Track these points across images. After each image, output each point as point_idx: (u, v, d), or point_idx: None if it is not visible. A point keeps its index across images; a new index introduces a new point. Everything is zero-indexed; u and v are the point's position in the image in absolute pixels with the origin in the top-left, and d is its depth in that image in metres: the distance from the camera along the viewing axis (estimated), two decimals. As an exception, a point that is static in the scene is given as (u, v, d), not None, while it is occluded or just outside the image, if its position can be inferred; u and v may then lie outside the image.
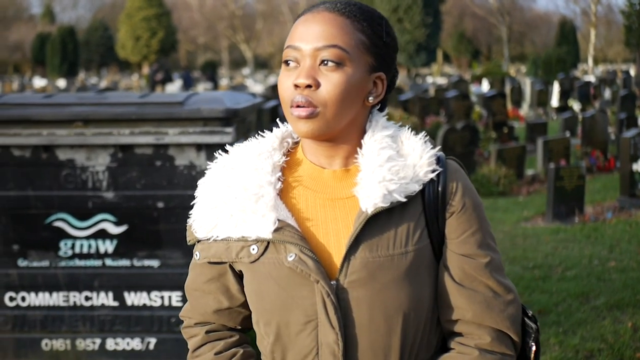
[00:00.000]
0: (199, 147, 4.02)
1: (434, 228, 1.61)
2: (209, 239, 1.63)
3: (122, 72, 60.46)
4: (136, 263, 4.12)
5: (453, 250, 1.62)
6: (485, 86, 26.22)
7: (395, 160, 1.58)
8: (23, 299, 4.18)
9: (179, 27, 60.10)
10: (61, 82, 38.60)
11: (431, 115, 16.53)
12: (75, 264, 4.15)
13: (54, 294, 4.16)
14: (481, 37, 57.10)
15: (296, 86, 1.53)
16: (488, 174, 10.27)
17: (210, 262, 1.65)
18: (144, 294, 4.13)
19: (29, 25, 67.89)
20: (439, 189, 1.60)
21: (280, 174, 1.63)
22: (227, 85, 29.90)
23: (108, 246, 4.12)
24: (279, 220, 1.56)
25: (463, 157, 10.60)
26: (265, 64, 57.43)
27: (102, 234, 4.12)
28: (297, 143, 1.70)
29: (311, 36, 1.54)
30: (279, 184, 1.61)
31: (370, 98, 1.60)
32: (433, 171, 1.60)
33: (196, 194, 1.66)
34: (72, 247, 4.14)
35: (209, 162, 1.67)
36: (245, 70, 48.09)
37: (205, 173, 1.68)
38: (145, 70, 48.02)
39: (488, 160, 11.61)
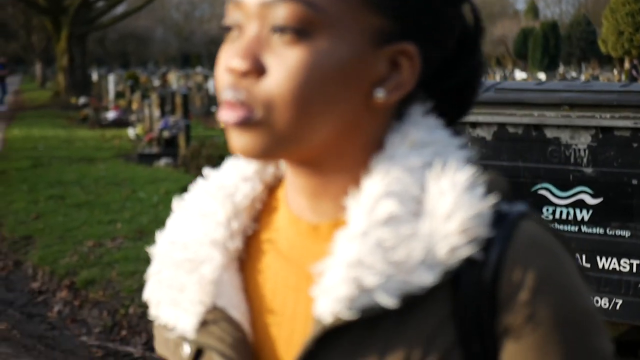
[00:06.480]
0: (676, 132, 4.48)
1: (475, 349, 0.83)
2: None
3: (602, 67, 60.33)
4: (609, 232, 4.69)
5: None
6: None
7: (400, 224, 0.83)
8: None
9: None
10: (541, 76, 38.94)
11: None
12: (555, 227, 4.81)
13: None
14: None
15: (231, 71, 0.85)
16: None
17: None
18: (614, 259, 4.68)
19: (514, 20, 72.23)
20: (487, 277, 0.82)
21: (247, 223, 0.96)
22: None
23: (584, 215, 4.74)
24: (215, 308, 0.90)
25: None
26: None
27: (580, 204, 4.74)
28: None
29: None
30: (237, 242, 0.94)
31: (380, 92, 0.85)
32: (479, 245, 0.82)
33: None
34: (553, 213, 4.83)
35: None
36: None
37: None
38: (627, 65, 47.46)
39: None
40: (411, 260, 0.81)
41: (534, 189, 4.85)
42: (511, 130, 4.87)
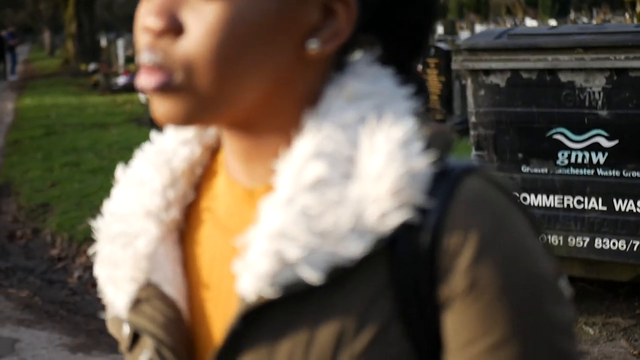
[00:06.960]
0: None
1: (416, 321, 0.75)
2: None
3: (614, 11, 59.81)
4: (625, 174, 4.66)
5: None
6: None
7: (328, 188, 0.74)
8: (524, 199, 4.94)
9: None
10: (552, 23, 38.77)
11: None
12: (570, 172, 4.80)
13: (551, 197, 4.87)
14: None
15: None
16: None
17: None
18: (631, 201, 4.65)
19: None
20: (425, 242, 0.74)
21: (187, 190, 0.87)
22: None
23: (600, 158, 4.70)
24: (149, 285, 0.83)
25: None
26: None
27: (595, 147, 4.71)
28: None
29: None
30: (173, 212, 0.86)
31: (313, 43, 0.76)
32: (414, 207, 0.73)
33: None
34: (568, 157, 4.79)
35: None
36: None
37: None
38: (639, 8, 46.92)
39: None
40: (338, 230, 0.73)
41: (549, 134, 4.81)
42: (525, 75, 4.82)
